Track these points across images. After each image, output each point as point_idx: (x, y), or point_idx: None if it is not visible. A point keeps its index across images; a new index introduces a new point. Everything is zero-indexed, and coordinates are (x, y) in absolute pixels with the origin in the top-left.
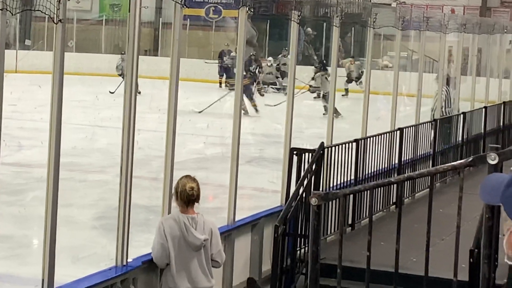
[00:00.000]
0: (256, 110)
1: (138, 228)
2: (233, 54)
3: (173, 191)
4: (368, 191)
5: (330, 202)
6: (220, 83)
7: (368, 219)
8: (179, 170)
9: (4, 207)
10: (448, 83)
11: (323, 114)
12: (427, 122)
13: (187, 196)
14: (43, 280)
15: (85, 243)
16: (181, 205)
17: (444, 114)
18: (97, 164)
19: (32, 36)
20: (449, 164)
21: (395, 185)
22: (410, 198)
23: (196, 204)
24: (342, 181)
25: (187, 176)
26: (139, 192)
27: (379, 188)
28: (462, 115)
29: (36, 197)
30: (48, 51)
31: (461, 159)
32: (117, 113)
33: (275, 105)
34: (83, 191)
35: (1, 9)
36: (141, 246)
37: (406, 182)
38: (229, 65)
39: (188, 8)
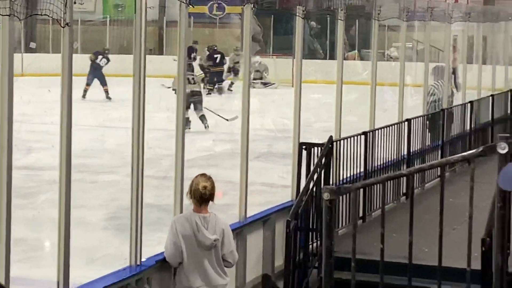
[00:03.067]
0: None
1: (150, 227)
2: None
3: (188, 189)
4: (380, 184)
5: (341, 196)
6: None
7: (379, 210)
8: (189, 168)
9: (16, 210)
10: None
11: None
12: (435, 113)
13: (200, 195)
14: (58, 282)
15: (98, 244)
16: (195, 203)
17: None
18: (108, 164)
19: (37, 38)
20: (460, 154)
21: (405, 177)
22: (420, 188)
23: (210, 202)
24: (351, 174)
25: (202, 175)
26: (150, 191)
27: (390, 180)
28: (469, 104)
29: (47, 200)
30: (54, 54)
31: (469, 148)
32: (126, 113)
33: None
34: (94, 192)
35: (9, 15)
36: (154, 245)
37: (415, 174)
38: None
39: (193, 6)
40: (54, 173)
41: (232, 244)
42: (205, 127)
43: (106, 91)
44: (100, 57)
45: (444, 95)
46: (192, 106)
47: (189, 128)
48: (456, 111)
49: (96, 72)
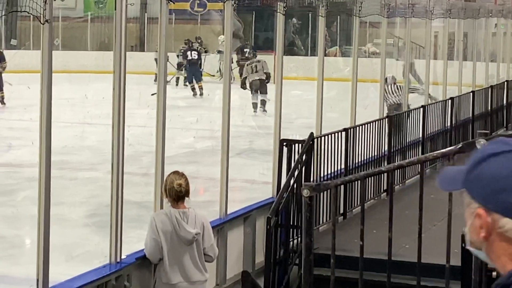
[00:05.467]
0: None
1: (130, 224)
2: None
3: (162, 188)
4: (359, 181)
5: (321, 192)
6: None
7: (359, 207)
8: (169, 165)
9: None
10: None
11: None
12: (416, 109)
13: (175, 193)
14: (37, 279)
15: (78, 241)
16: (171, 201)
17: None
18: (88, 161)
19: (18, 35)
20: (439, 151)
21: (385, 173)
22: (400, 185)
23: (186, 198)
24: (332, 170)
25: (175, 172)
26: (130, 188)
27: (369, 177)
28: (450, 100)
29: (27, 197)
30: (34, 50)
31: (450, 144)
32: (106, 110)
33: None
34: (74, 189)
35: None
36: (134, 242)
37: (396, 170)
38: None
39: (173, 3)
40: (34, 170)
41: (212, 238)
42: (261, 110)
43: (201, 88)
44: (189, 53)
45: (403, 98)
46: (259, 91)
47: (265, 110)
48: (436, 107)
49: (191, 68)
